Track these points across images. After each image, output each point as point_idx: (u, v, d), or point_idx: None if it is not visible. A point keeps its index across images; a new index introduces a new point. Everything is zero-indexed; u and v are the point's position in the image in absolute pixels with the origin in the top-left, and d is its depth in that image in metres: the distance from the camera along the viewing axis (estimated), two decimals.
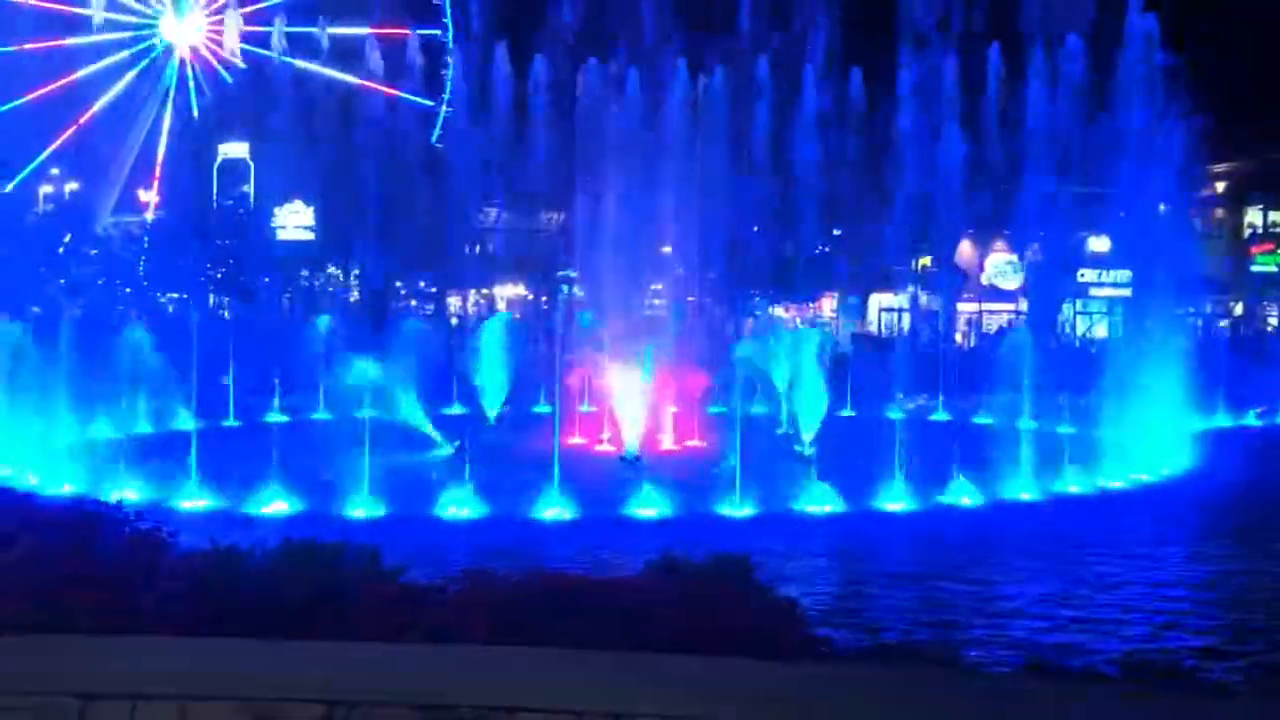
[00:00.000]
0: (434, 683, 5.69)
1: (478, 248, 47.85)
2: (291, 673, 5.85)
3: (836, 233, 49.13)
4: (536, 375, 27.66)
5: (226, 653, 6.31)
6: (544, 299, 42.59)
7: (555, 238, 26.53)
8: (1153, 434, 22.85)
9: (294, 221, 58.64)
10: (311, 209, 55.66)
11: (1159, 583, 13.31)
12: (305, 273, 52.81)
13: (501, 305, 53.91)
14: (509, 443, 21.21)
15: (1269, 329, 44.67)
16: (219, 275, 45.01)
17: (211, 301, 45.30)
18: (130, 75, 72.65)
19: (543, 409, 26.59)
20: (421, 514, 15.53)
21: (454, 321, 43.73)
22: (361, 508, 15.55)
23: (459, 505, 15.63)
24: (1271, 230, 60.96)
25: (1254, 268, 52.39)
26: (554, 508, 15.65)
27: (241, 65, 69.57)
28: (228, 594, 7.17)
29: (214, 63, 76.36)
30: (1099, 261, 50.17)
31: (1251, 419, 31.35)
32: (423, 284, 44.99)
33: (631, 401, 20.96)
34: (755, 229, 38.34)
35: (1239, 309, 51.92)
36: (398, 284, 44.22)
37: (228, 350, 26.36)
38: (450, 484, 15.98)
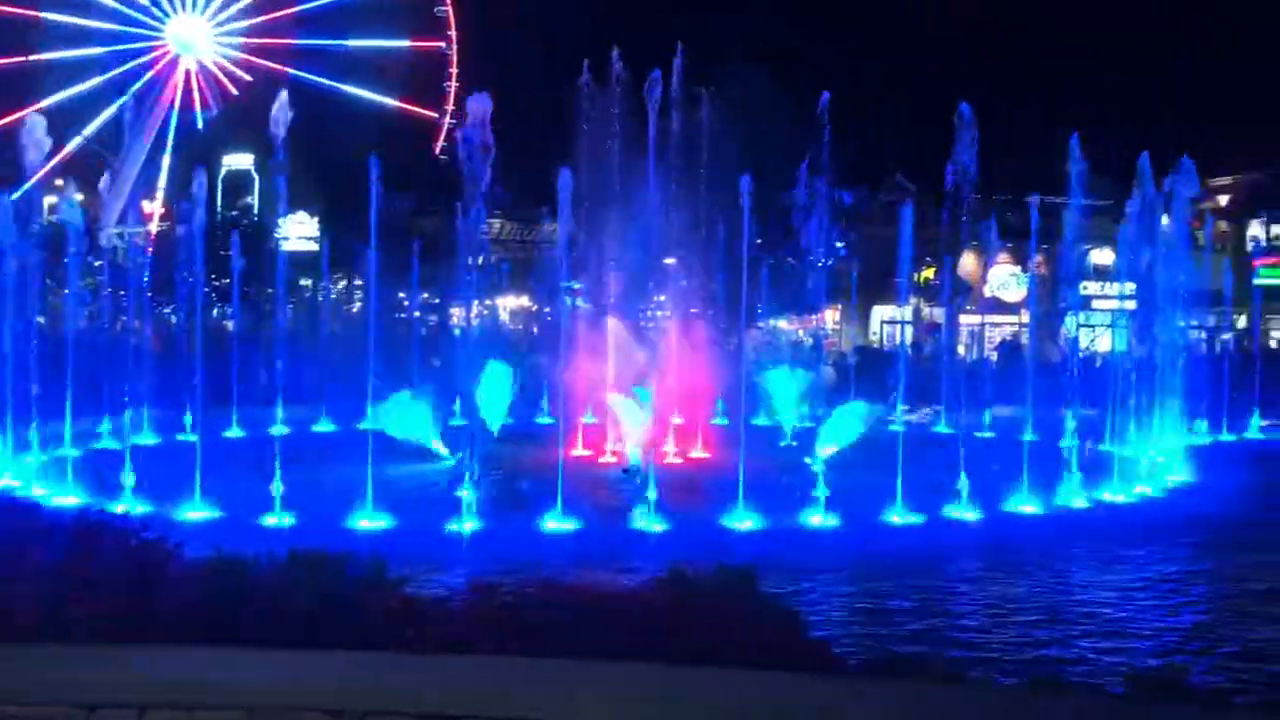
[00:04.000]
0: (441, 693, 5.70)
1: (480, 259, 47.95)
2: (298, 682, 5.86)
3: (840, 245, 49.16)
4: (540, 387, 27.72)
5: (232, 662, 6.33)
6: (547, 310, 42.60)
7: (559, 249, 26.49)
8: (1156, 448, 22.87)
9: (298, 232, 58.79)
10: (316, 219, 55.86)
11: (1165, 597, 13.31)
12: (309, 282, 52.85)
13: (505, 317, 53.93)
14: (512, 455, 21.22)
15: (1273, 342, 44.59)
16: (223, 286, 45.12)
17: (215, 313, 45.36)
18: (136, 86, 72.96)
19: (546, 420, 26.64)
20: (424, 526, 15.52)
21: (457, 333, 43.76)
22: (365, 519, 15.54)
23: (462, 517, 15.61)
24: (1275, 243, 60.97)
25: (1257, 281, 52.31)
26: (557, 520, 15.63)
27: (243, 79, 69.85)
28: (233, 603, 7.19)
29: (219, 74, 76.69)
30: (1102, 274, 50.24)
31: (1255, 432, 31.37)
32: (425, 295, 45.04)
33: (635, 414, 20.97)
34: (759, 240, 38.35)
35: (1242, 322, 51.84)
36: (400, 295, 44.32)
37: (231, 360, 26.42)
38: (453, 496, 15.96)
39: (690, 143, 26.62)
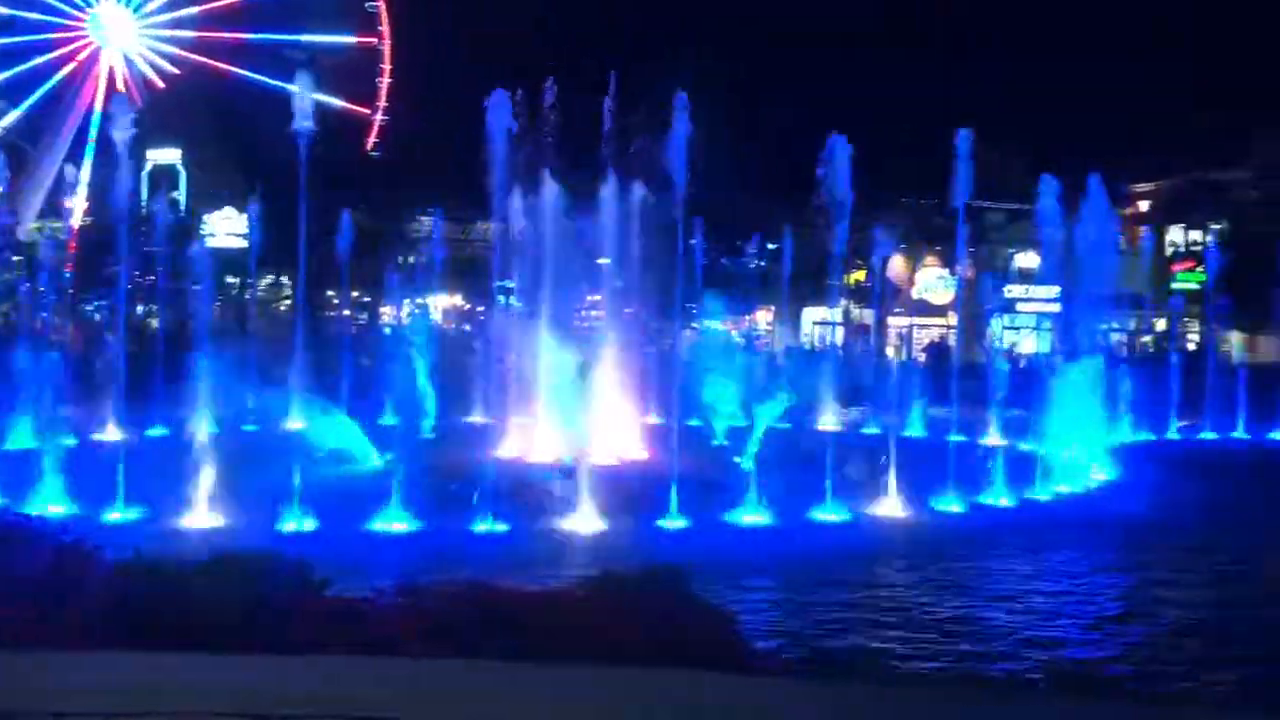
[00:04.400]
0: (366, 695, 5.63)
1: (411, 258, 47.56)
2: (218, 685, 5.75)
3: (772, 246, 49.58)
4: (472, 386, 27.53)
5: (153, 667, 6.19)
6: (480, 309, 42.38)
7: (492, 248, 26.29)
8: (1078, 448, 23.40)
9: (226, 229, 57.82)
10: (245, 216, 54.97)
11: (1080, 588, 13.61)
12: (236, 280, 52.06)
13: (437, 315, 53.51)
14: (442, 454, 21.05)
15: (1189, 345, 45.94)
16: (148, 282, 44.25)
17: (140, 309, 44.42)
18: (57, 78, 71.18)
19: (478, 420, 26.47)
20: (352, 527, 15.31)
21: (387, 331, 43.35)
22: (291, 521, 15.30)
23: (390, 518, 15.44)
24: (1193, 249, 62.73)
25: (1175, 285, 53.81)
26: (489, 521, 15.53)
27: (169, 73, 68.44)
28: (154, 607, 7.03)
29: (145, 67, 75.05)
30: (1027, 278, 51.28)
31: (1173, 433, 32.25)
32: (356, 293, 44.55)
33: (568, 413, 20.90)
34: (693, 241, 38.52)
35: (1161, 325, 53.27)
36: (330, 293, 43.82)
37: (156, 358, 25.89)
38: (381, 496, 15.78)
39: (623, 144, 26.62)
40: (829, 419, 27.79)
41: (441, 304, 57.06)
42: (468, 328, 47.93)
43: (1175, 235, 65.80)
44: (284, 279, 52.99)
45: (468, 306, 52.56)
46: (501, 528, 15.39)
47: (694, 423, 26.51)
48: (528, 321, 25.46)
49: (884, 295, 38.41)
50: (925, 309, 55.33)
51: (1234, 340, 54.91)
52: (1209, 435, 32.37)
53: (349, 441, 21.15)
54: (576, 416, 20.29)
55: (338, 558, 12.11)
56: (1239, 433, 32.67)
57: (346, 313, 42.05)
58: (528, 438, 23.28)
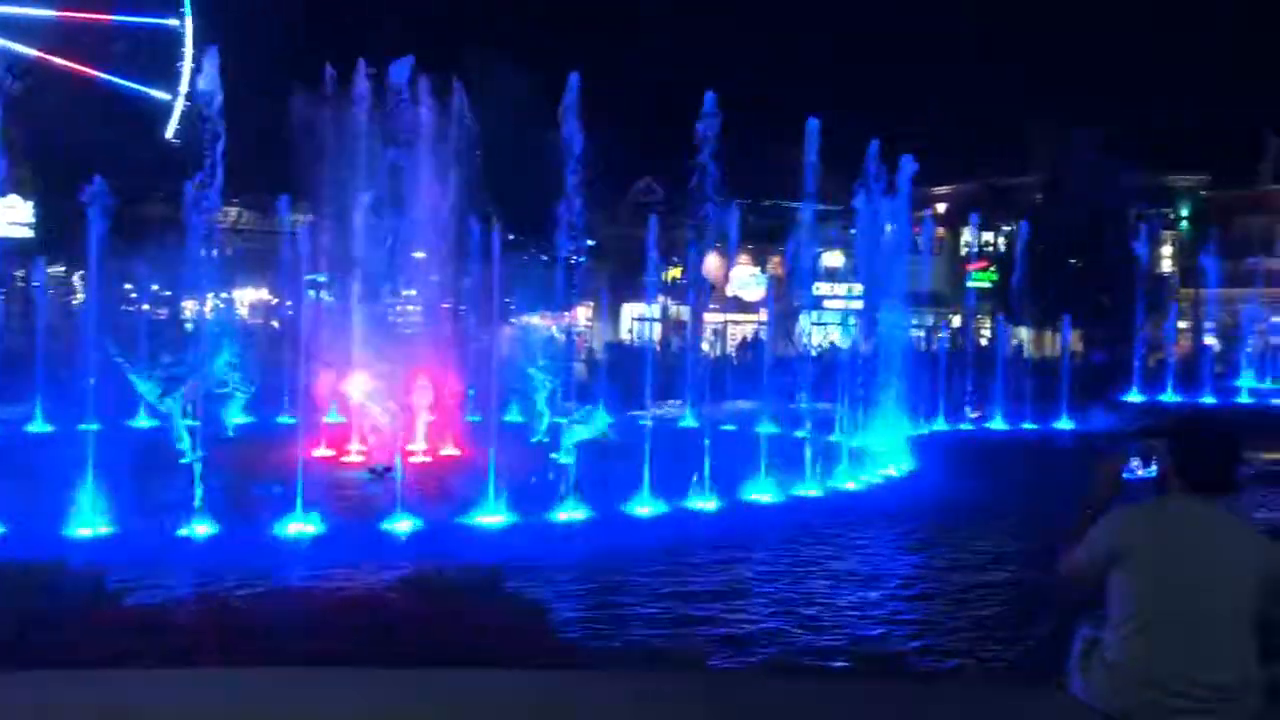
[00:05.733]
0: (164, 709, 5.40)
1: (215, 250, 45.65)
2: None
3: (591, 242, 49.82)
4: (280, 384, 26.66)
5: None
6: (289, 304, 40.98)
7: (302, 240, 25.44)
8: (880, 438, 24.56)
9: (9, 217, 53.99)
10: (30, 204, 51.48)
11: (886, 575, 14.26)
12: (20, 272, 48.66)
13: (243, 310, 51.51)
14: (249, 455, 20.33)
15: (982, 341, 48.70)
16: None
17: None
18: None
19: (287, 420, 25.65)
20: (151, 533, 14.56)
21: (188, 327, 41.44)
22: (85, 526, 14.46)
23: (194, 522, 14.78)
24: (986, 249, 66.50)
25: (970, 283, 56.88)
26: (298, 523, 15.06)
27: None
28: None
29: None
30: (833, 276, 53.28)
31: (968, 424, 34.23)
32: (156, 286, 42.40)
33: (382, 411, 20.50)
34: (511, 237, 38.32)
35: (956, 321, 56.26)
36: (127, 287, 41.59)
37: None
38: (183, 499, 15.07)
39: (440, 134, 26.21)
40: (647, 413, 28.13)
41: (248, 298, 55.00)
42: (276, 323, 46.33)
43: (969, 236, 69.63)
44: (74, 272, 49.90)
45: (275, 301, 50.77)
46: (312, 529, 14.95)
47: (513, 419, 26.44)
48: (339, 316, 24.83)
49: (699, 292, 39.18)
50: (739, 306, 56.73)
51: (1023, 336, 58.51)
52: (999, 425, 34.51)
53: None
54: (391, 414, 19.91)
55: (136, 565, 11.56)
56: (1027, 423, 34.94)
57: (145, 307, 39.99)
58: (340, 437, 22.73)
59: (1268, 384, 47.68)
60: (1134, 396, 41.24)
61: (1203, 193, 67.36)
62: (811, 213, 26.23)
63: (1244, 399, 43.29)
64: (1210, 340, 58.84)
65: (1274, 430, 29.00)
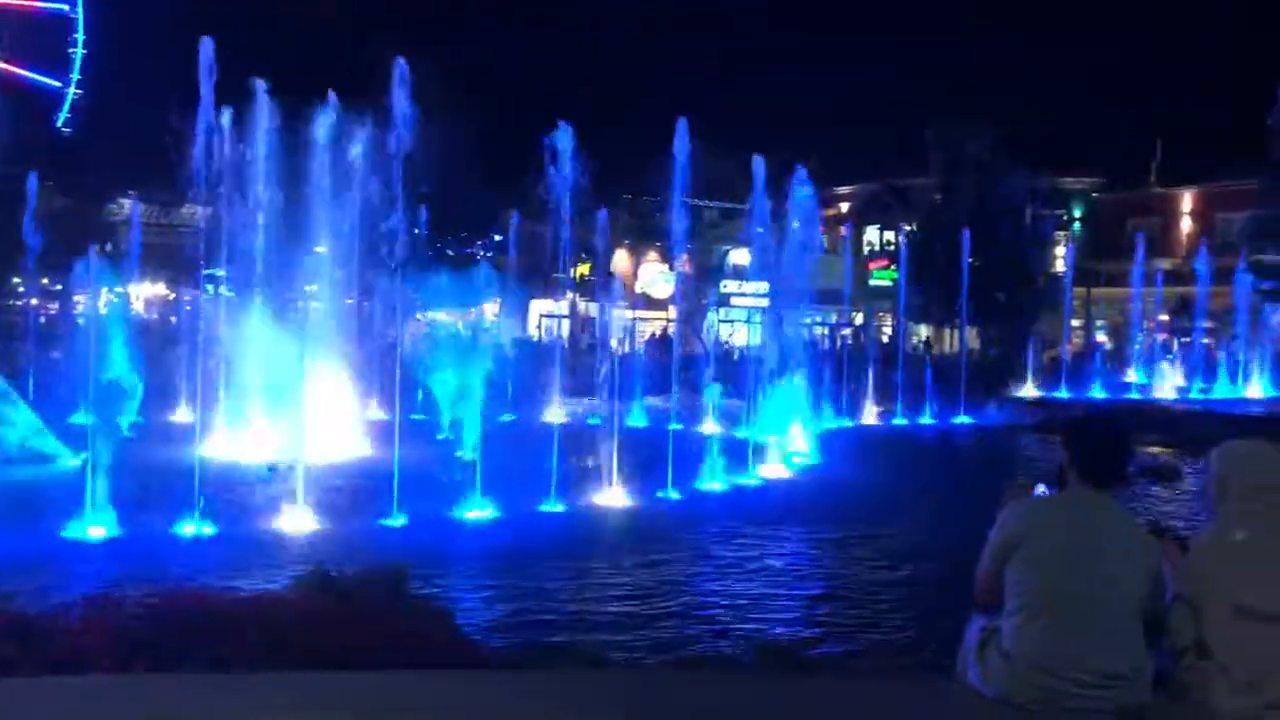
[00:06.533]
0: (50, 717, 5.19)
1: (108, 244, 44.26)
2: None
3: (498, 238, 49.56)
4: (177, 381, 25.97)
5: None
6: (187, 299, 39.91)
7: (200, 234, 24.79)
8: (786, 434, 24.89)
9: None
10: None
11: (788, 569, 14.43)
12: None
13: (139, 305, 50.01)
14: (145, 454, 19.74)
15: (883, 338, 49.65)
16: None
17: None
18: None
19: (184, 417, 25.00)
20: (40, 534, 14.05)
21: (81, 322, 40.08)
22: None
23: (84, 523, 14.29)
24: (886, 248, 67.84)
25: (871, 282, 57.95)
26: (194, 523, 14.65)
27: None
28: None
29: None
30: (740, 273, 53.81)
31: (870, 418, 34.89)
32: (45, 281, 40.92)
33: (282, 408, 20.06)
34: (417, 231, 37.87)
35: (860, 319, 57.24)
36: (15, 281, 40.11)
37: None
38: (75, 500, 14.56)
39: (344, 128, 25.77)
40: (554, 410, 28.09)
41: (144, 293, 53.39)
42: (173, 319, 45.07)
43: (871, 235, 71.02)
44: None
45: (172, 295, 49.41)
46: (210, 531, 14.56)
47: (418, 417, 26.13)
48: (238, 312, 24.26)
49: (608, 289, 39.27)
50: (647, 303, 56.93)
51: (923, 333, 59.81)
52: (900, 421, 35.25)
53: (38, 440, 19.43)
54: (291, 412, 19.50)
55: (22, 569, 11.15)
56: (926, 418, 35.74)
57: (35, 301, 38.63)
58: (239, 435, 22.20)
59: (1155, 380, 49.53)
60: (1028, 392, 42.47)
61: (1095, 195, 69.68)
62: (720, 211, 26.43)
63: (1133, 394, 44.88)
64: (1102, 338, 60.87)
65: (1161, 425, 30.15)
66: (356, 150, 26.02)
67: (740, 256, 54.68)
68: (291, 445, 17.87)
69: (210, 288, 26.92)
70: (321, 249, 26.44)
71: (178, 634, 6.56)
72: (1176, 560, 5.03)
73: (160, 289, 53.99)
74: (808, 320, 30.97)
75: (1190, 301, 53.53)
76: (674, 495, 18.90)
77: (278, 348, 21.67)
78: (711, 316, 39.15)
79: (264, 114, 24.13)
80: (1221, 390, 46.87)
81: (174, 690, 5.68)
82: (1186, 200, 66.37)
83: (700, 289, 44.82)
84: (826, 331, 48.86)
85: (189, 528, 14.55)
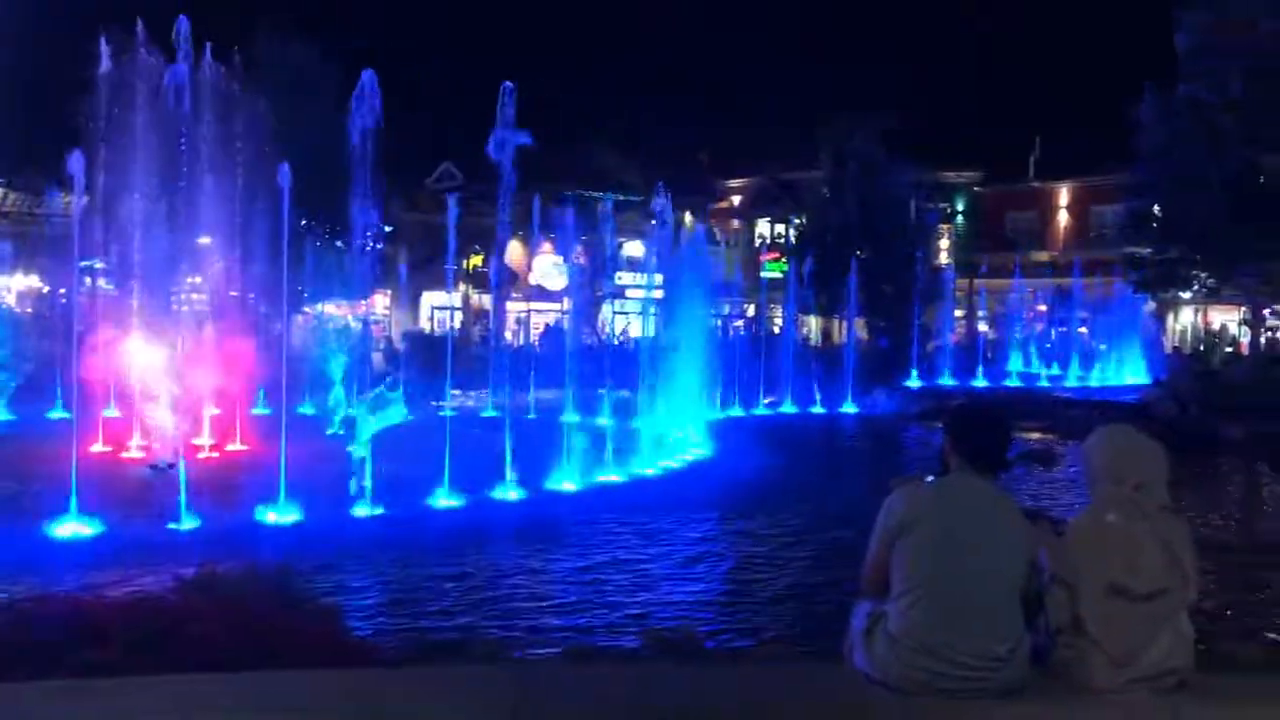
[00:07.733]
0: None
1: None
2: None
3: (389, 229, 48.73)
4: (51, 377, 24.98)
5: None
6: (61, 291, 38.37)
7: (76, 223, 23.83)
8: (680, 424, 25.07)
9: None
10: None
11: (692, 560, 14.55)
12: None
13: (10, 298, 47.91)
14: (17, 453, 18.96)
15: (775, 329, 50.36)
16: None
17: None
18: None
19: (59, 414, 24.07)
20: None
21: None
22: None
23: None
24: (777, 241, 68.81)
25: (763, 274, 58.65)
26: (71, 524, 14.10)
27: None
28: None
29: None
30: (634, 265, 53.95)
31: (761, 408, 35.38)
32: None
33: (164, 404, 19.43)
34: (305, 222, 37.07)
35: (751, 310, 57.93)
36: None
37: None
38: None
39: (225, 114, 25.05)
40: (447, 403, 27.79)
41: (15, 286, 51.12)
42: (46, 314, 43.30)
43: (763, 228, 71.95)
44: None
45: (46, 289, 47.43)
46: (88, 530, 14.04)
47: (306, 411, 25.60)
48: (117, 304, 23.44)
49: (501, 281, 38.97)
50: (541, 294, 56.65)
51: (813, 324, 60.80)
52: (791, 409, 35.85)
53: None
54: (174, 408, 18.91)
55: None
56: (816, 407, 36.42)
57: None
58: (118, 432, 21.47)
59: (1035, 368, 51.30)
60: (913, 381, 43.56)
61: (976, 189, 71.72)
62: (614, 203, 26.47)
63: (1013, 382, 46.41)
64: (983, 328, 62.71)
65: (1040, 412, 31.23)
66: (238, 138, 25.35)
67: (634, 248, 54.84)
68: (174, 442, 17.33)
69: (87, 279, 25.94)
70: (205, 240, 25.68)
71: (57, 638, 6.32)
72: (1052, 543, 5.20)
73: (32, 281, 51.76)
74: (700, 312, 31.21)
75: (1067, 292, 55.53)
76: (569, 486, 18.88)
77: (159, 342, 21.01)
78: (606, 308, 39.18)
79: (142, 94, 23.28)
80: (1097, 378, 48.80)
81: (50, 696, 5.45)
82: (1063, 194, 68.74)
83: (595, 281, 44.83)
84: (719, 323, 49.34)
85: (67, 527, 14.00)
